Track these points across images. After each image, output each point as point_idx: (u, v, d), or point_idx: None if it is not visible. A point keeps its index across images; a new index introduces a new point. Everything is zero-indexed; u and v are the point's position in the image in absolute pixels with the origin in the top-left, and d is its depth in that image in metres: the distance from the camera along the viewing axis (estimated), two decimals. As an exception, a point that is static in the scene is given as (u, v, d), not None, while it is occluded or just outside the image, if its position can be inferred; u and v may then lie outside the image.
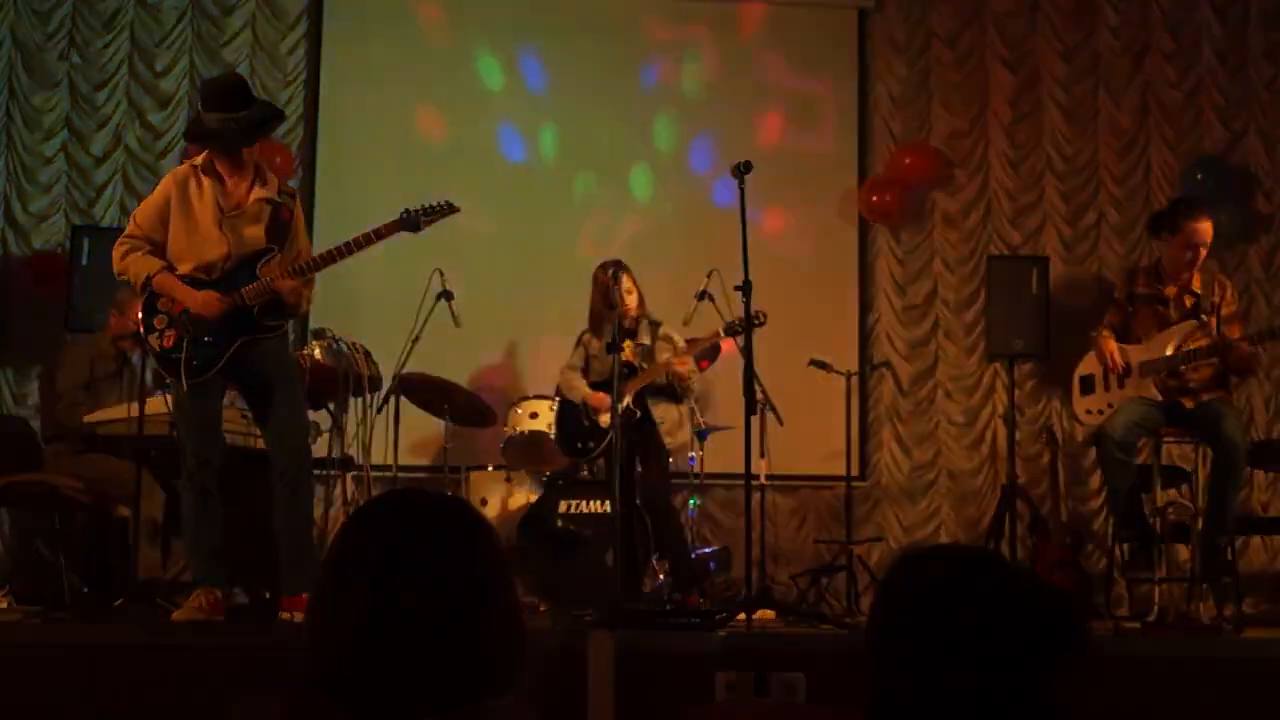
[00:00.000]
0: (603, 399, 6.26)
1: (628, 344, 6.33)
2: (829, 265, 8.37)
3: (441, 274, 6.26)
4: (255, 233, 4.97)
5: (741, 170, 5.22)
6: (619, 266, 6.34)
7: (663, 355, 6.38)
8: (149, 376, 5.56)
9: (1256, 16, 8.46)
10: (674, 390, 6.39)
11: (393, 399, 6.55)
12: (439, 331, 6.41)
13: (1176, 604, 5.38)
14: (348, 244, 4.98)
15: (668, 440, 6.30)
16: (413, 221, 5.03)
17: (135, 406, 5.29)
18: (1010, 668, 1.64)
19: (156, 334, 4.88)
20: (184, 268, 4.91)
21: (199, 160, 4.99)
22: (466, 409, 6.87)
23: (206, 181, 4.93)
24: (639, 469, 6.44)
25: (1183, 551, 6.06)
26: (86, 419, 5.91)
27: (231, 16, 8.13)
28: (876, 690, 1.71)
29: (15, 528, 7.15)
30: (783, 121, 8.40)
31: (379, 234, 5.00)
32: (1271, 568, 7.96)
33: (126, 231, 5.02)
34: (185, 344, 4.82)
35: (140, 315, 4.97)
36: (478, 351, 7.90)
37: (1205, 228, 5.58)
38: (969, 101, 8.49)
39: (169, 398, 5.07)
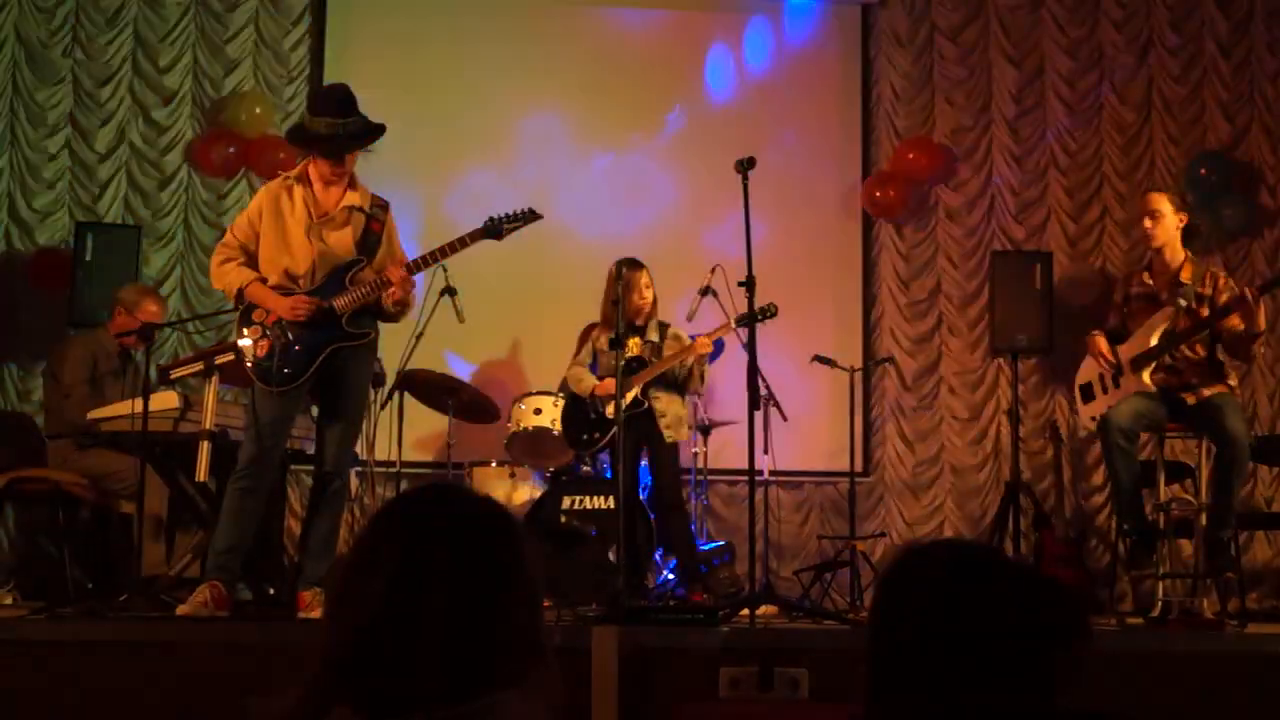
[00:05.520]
0: (611, 386, 6.22)
1: (635, 340, 6.32)
2: (832, 260, 8.37)
3: (445, 270, 6.27)
4: (342, 239, 5.08)
5: (745, 166, 5.22)
6: (637, 264, 6.32)
7: (670, 350, 6.35)
8: (153, 373, 5.58)
9: (1260, 11, 8.45)
10: (679, 384, 6.37)
11: (396, 395, 6.56)
12: (442, 327, 6.42)
13: (1180, 599, 5.37)
14: (437, 250, 5.13)
15: (667, 434, 6.24)
16: (496, 229, 5.21)
17: (139, 402, 5.31)
18: (1013, 663, 1.64)
19: (250, 343, 4.98)
20: (273, 278, 5.03)
21: (293, 172, 5.13)
22: (470, 405, 6.88)
23: (299, 190, 5.06)
24: (645, 461, 6.42)
25: (1186, 547, 6.06)
26: (90, 415, 5.92)
27: (235, 12, 8.14)
28: (878, 685, 1.71)
29: (20, 524, 7.17)
30: (786, 116, 8.39)
31: (464, 242, 5.16)
32: (1275, 563, 7.96)
33: (223, 241, 5.18)
34: (276, 352, 4.93)
35: (236, 325, 5.08)
36: (481, 347, 7.91)
37: (1154, 196, 5.74)
38: (972, 96, 8.49)
39: (253, 396, 5.05)
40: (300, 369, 4.96)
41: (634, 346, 6.31)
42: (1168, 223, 5.62)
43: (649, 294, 6.34)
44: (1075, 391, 5.97)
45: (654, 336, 6.39)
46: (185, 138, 8.03)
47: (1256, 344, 5.59)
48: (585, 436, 6.43)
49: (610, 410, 6.28)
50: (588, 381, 6.42)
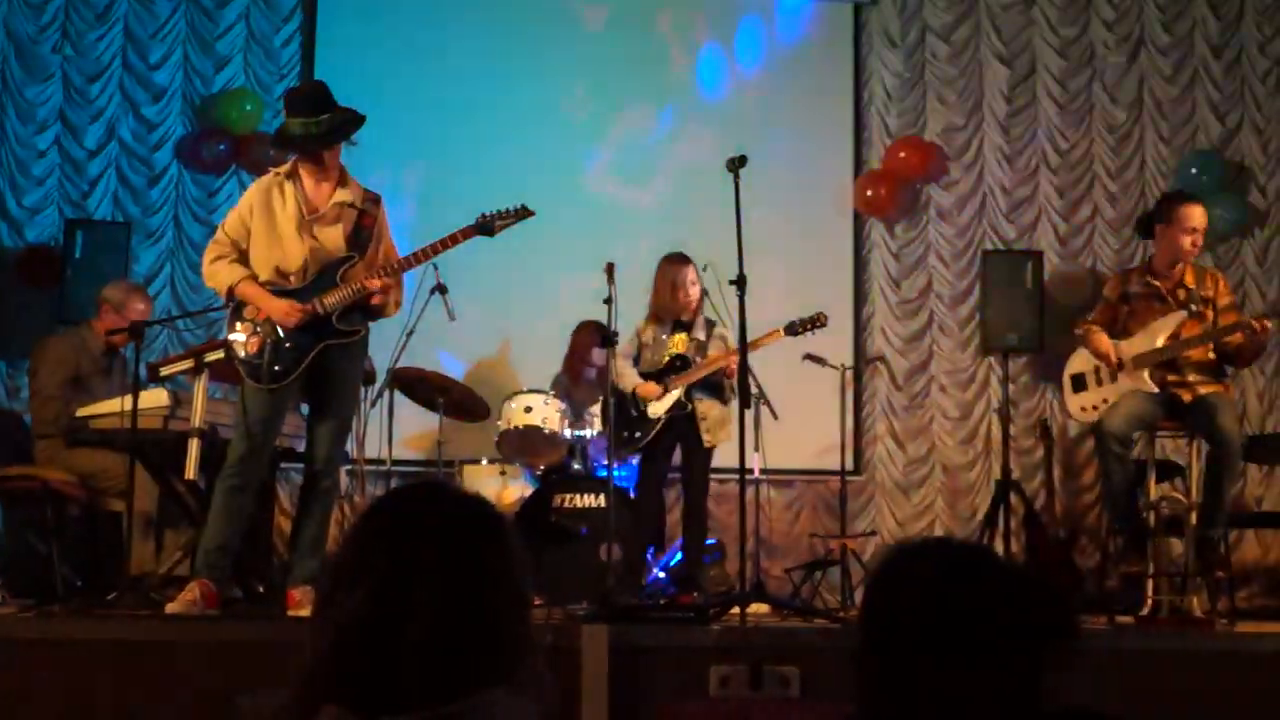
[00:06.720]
0: (652, 389, 6.18)
1: (682, 337, 6.26)
2: (823, 259, 8.37)
3: (436, 267, 6.26)
4: (334, 235, 5.06)
5: (736, 164, 5.21)
6: (684, 259, 6.26)
7: (715, 351, 6.27)
8: (143, 370, 5.56)
9: (1250, 10, 8.46)
10: (721, 387, 6.26)
11: (387, 393, 6.55)
12: (433, 325, 6.41)
13: (1170, 598, 5.38)
14: (429, 247, 5.11)
15: (706, 438, 6.16)
16: (488, 225, 5.18)
17: (129, 400, 5.29)
18: (1002, 661, 1.64)
19: (241, 339, 4.97)
20: (264, 275, 5.02)
21: (284, 168, 5.12)
22: (461, 403, 6.87)
23: (289, 187, 5.05)
24: (679, 461, 6.32)
25: (1176, 545, 6.06)
26: (80, 413, 5.90)
27: (226, 9, 8.12)
28: (868, 684, 1.71)
29: (8, 522, 7.14)
30: (777, 114, 8.38)
31: (455, 239, 5.13)
32: (1265, 561, 7.97)
33: (215, 239, 5.15)
34: (266, 349, 4.91)
35: (227, 322, 5.08)
36: (472, 345, 7.90)
37: (1200, 211, 5.66)
38: (964, 95, 8.49)
39: (243, 394, 5.03)
40: (290, 366, 4.94)
41: (679, 344, 6.26)
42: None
43: (694, 290, 6.24)
44: (1065, 380, 5.95)
45: (700, 335, 6.30)
46: (175, 134, 8.01)
47: (1256, 358, 5.70)
48: (626, 434, 6.29)
49: (650, 410, 6.20)
50: (630, 378, 6.27)
